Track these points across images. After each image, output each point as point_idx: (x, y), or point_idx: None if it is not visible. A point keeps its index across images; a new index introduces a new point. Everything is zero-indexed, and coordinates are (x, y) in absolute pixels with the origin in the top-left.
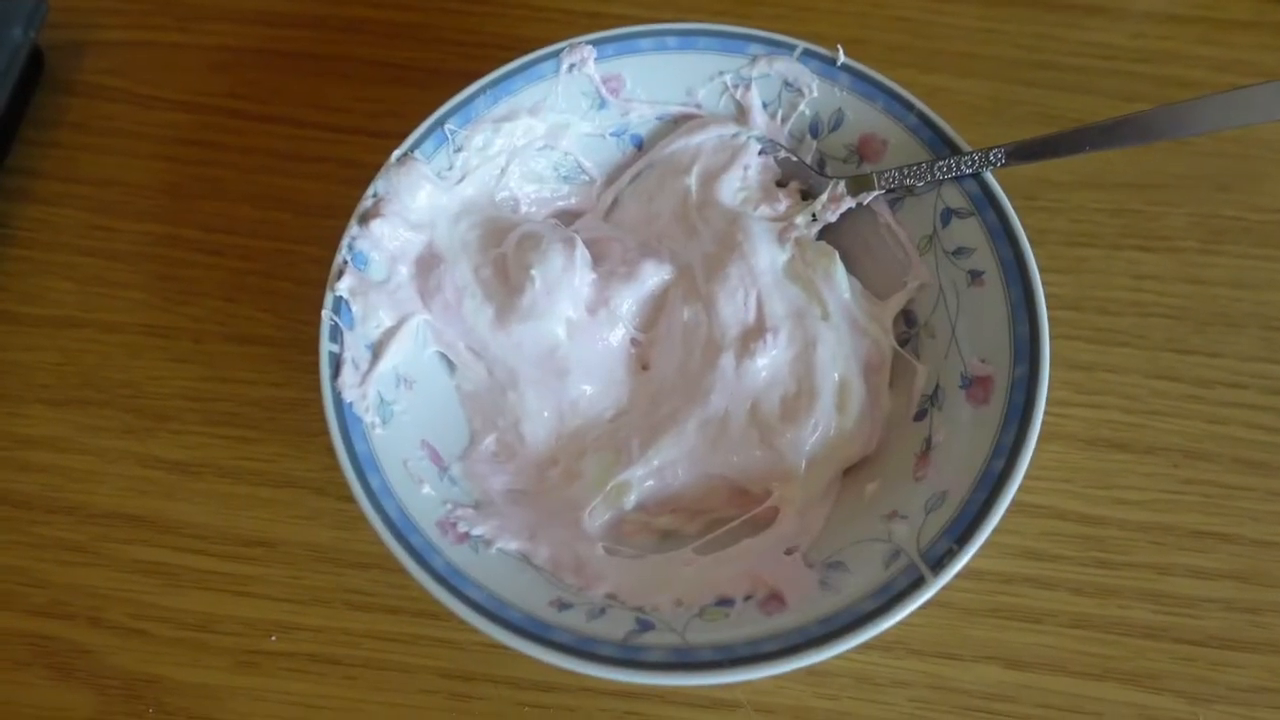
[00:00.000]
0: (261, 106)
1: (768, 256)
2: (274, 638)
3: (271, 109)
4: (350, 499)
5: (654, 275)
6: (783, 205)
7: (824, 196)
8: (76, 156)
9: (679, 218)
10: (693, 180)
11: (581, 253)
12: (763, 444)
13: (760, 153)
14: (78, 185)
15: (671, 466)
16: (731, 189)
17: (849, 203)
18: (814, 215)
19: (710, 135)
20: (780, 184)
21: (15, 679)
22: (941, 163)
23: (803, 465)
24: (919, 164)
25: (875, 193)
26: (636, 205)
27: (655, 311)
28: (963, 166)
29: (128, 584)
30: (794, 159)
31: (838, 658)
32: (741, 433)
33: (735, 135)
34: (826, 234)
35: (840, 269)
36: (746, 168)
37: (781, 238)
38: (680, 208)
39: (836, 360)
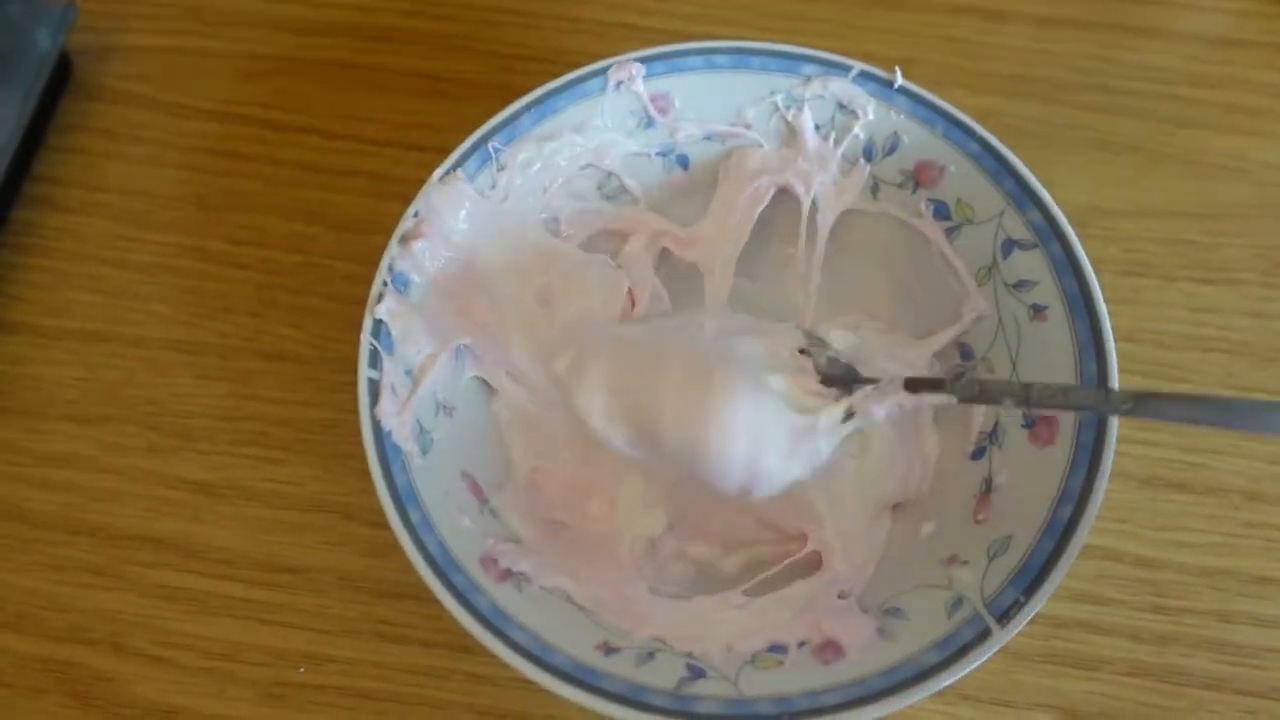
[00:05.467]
0: (291, 116)
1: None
2: (302, 669)
3: (301, 119)
4: (382, 525)
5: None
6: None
7: (869, 388)
8: (102, 164)
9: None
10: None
11: (625, 284)
12: None
13: (801, 351)
14: (103, 194)
15: (696, 490)
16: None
17: (899, 400)
18: (849, 412)
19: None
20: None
21: (33, 706)
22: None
23: (824, 504)
24: (997, 382)
25: (942, 397)
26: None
27: None
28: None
29: (151, 609)
30: (841, 360)
31: None
32: None
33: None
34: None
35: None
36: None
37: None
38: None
39: None
